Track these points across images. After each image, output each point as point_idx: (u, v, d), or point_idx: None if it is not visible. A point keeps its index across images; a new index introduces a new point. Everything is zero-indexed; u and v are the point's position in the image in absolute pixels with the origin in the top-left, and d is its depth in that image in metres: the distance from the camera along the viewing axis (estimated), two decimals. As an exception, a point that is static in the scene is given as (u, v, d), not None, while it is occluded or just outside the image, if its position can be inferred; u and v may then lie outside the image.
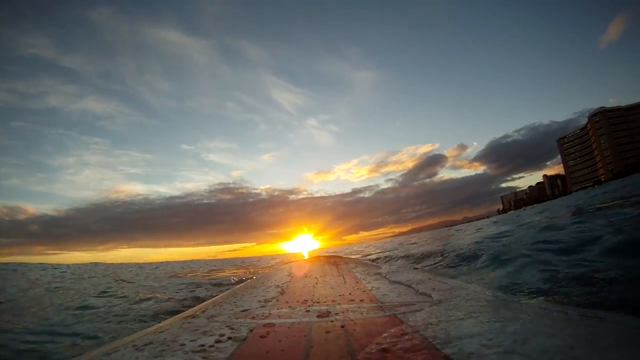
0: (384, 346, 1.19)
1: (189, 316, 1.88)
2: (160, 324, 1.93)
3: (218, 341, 1.31)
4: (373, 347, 1.20)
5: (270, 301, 2.20)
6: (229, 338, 1.35)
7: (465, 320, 1.47)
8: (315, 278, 3.16)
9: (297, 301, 2.14)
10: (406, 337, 1.26)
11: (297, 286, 2.78)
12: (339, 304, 2.00)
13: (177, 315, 2.20)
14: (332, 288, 2.61)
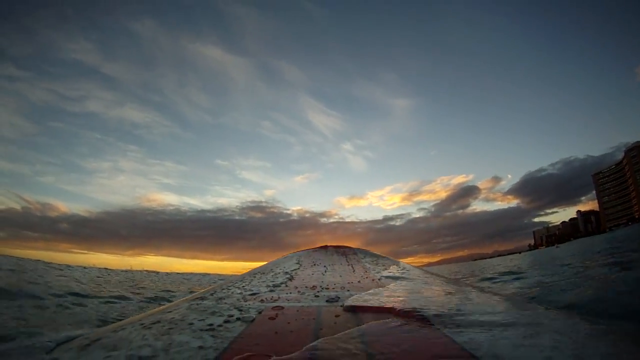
0: (392, 329, 1.19)
1: (197, 298, 1.91)
2: (168, 305, 1.98)
3: (227, 321, 1.32)
4: (382, 328, 1.19)
5: (279, 286, 2.22)
6: (238, 319, 1.36)
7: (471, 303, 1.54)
8: (324, 266, 3.18)
9: (306, 287, 2.17)
10: (415, 325, 1.24)
11: (305, 273, 2.81)
12: (348, 290, 2.02)
13: (185, 297, 2.26)
14: (340, 276, 2.64)
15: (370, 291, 1.93)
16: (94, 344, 1.11)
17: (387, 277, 2.57)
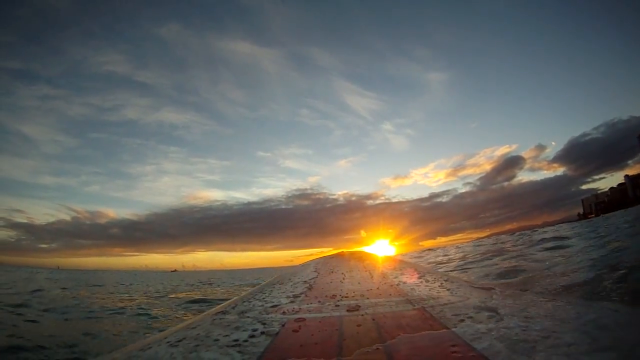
0: (415, 338, 1.18)
1: (219, 312, 1.90)
2: (191, 320, 1.97)
3: (252, 336, 1.31)
4: (404, 338, 1.19)
5: (299, 296, 2.20)
6: (262, 333, 1.35)
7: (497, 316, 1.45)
8: (342, 274, 3.15)
9: (326, 296, 2.14)
10: (437, 331, 1.23)
11: (324, 282, 2.78)
12: (368, 298, 1.99)
13: (207, 312, 2.24)
14: (359, 283, 2.61)
15: (390, 298, 1.92)
16: None
17: (404, 282, 2.54)
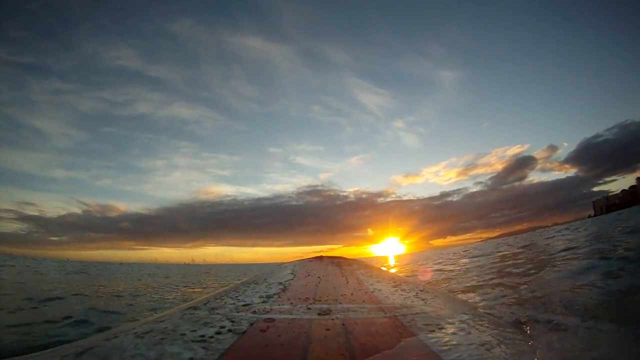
0: (382, 346, 1.20)
1: (190, 307, 1.89)
2: (162, 314, 1.94)
3: (218, 333, 1.32)
4: (371, 346, 1.20)
5: (272, 297, 2.21)
6: (229, 330, 1.36)
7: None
8: (318, 277, 3.16)
9: (299, 298, 2.15)
10: (406, 339, 1.25)
11: (299, 284, 2.79)
12: (340, 303, 2.01)
13: (179, 306, 2.22)
14: (334, 288, 2.63)
15: (362, 304, 1.93)
16: (88, 352, 1.10)
17: (379, 290, 2.57)
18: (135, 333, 1.31)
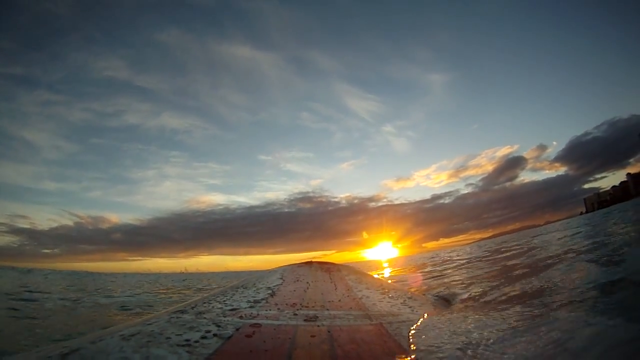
0: (366, 354, 1.23)
1: (177, 311, 1.90)
2: (149, 316, 1.97)
3: (204, 337, 1.33)
4: (356, 354, 1.23)
5: (260, 302, 2.22)
6: (215, 335, 1.38)
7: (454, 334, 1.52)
8: (307, 283, 3.18)
9: (286, 304, 2.17)
10: (390, 347, 1.29)
11: (287, 289, 2.80)
12: (328, 309, 2.04)
13: (166, 310, 2.23)
14: (322, 294, 2.65)
15: (349, 311, 1.96)
16: (73, 353, 1.11)
17: (367, 297, 2.60)
18: (122, 335, 1.32)
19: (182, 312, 1.86)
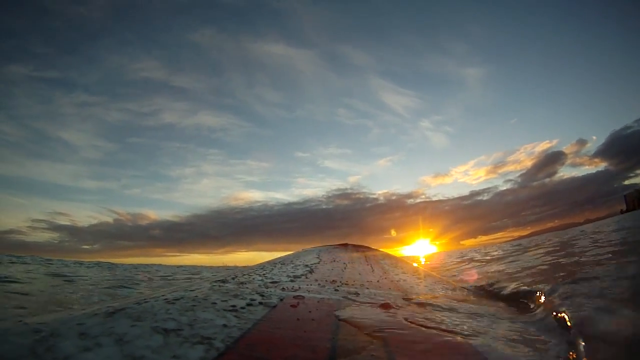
0: (410, 324, 1.20)
1: (218, 280, 1.93)
2: (190, 284, 2.02)
3: (249, 304, 1.33)
4: (401, 324, 1.20)
5: (300, 277, 2.24)
6: (260, 303, 1.37)
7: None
8: (344, 263, 3.19)
9: (326, 280, 2.18)
10: (433, 330, 1.23)
11: (325, 268, 2.82)
12: (367, 288, 2.02)
13: (206, 279, 2.30)
14: (360, 274, 2.65)
15: (389, 291, 1.93)
16: (119, 312, 1.13)
17: (405, 280, 2.59)
18: (166, 299, 1.35)
19: (224, 281, 1.89)
